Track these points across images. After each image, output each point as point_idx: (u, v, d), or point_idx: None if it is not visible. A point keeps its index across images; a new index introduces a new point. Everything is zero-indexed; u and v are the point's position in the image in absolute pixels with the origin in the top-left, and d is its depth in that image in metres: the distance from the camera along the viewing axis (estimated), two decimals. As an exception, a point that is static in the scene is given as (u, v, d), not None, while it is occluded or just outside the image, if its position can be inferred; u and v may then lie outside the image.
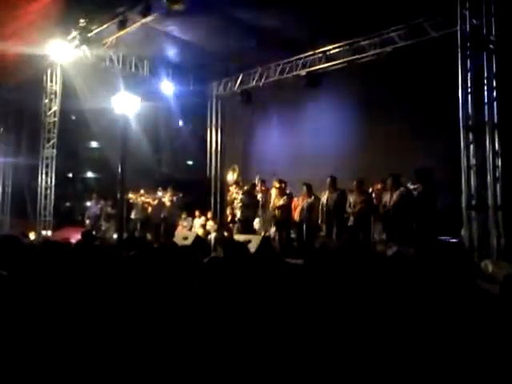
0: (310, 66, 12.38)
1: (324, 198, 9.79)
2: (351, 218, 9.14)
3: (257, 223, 11.65)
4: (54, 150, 13.23)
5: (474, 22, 7.67)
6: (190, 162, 15.99)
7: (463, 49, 7.73)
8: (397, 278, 3.21)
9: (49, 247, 4.51)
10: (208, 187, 15.11)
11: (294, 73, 12.68)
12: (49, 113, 13.27)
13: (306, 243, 9.79)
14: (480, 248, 7.23)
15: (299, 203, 10.38)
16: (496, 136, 7.33)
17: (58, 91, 13.23)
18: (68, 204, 15.27)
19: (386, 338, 2.32)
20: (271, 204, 10.84)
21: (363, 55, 11.28)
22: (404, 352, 2.22)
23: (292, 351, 2.37)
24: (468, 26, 7.73)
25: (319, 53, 12.13)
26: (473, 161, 7.49)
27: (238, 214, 11.64)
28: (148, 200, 13.15)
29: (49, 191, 13.16)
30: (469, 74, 7.67)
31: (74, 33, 11.90)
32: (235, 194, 11.85)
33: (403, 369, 2.15)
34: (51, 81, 13.28)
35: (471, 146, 7.59)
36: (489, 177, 7.26)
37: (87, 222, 13.33)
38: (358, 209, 9.13)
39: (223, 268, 3.75)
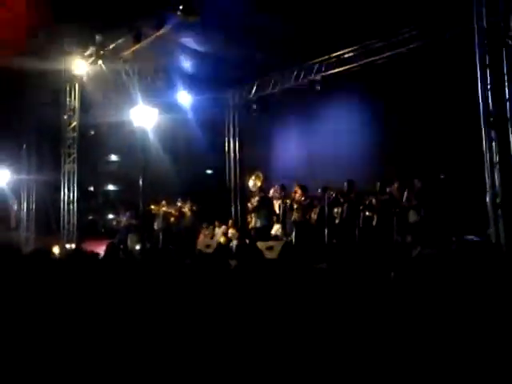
0: (324, 71, 12.37)
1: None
2: (374, 218, 9.18)
3: (275, 230, 11.63)
4: (75, 165, 13.41)
5: (491, 18, 7.59)
6: (209, 172, 16.05)
7: (480, 46, 7.66)
8: (423, 278, 3.18)
9: (78, 257, 4.59)
10: (228, 196, 15.16)
11: (309, 78, 12.67)
12: (68, 128, 13.46)
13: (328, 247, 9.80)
14: (508, 246, 7.11)
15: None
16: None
17: (76, 106, 13.42)
18: (90, 217, 15.43)
19: (418, 338, 2.30)
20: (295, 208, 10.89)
21: (377, 57, 11.22)
22: (439, 348, 2.19)
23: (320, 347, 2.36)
24: (485, 23, 7.66)
25: (334, 57, 12.12)
26: (496, 158, 7.39)
27: (258, 221, 11.64)
28: (170, 210, 13.25)
29: (71, 205, 13.34)
30: (488, 71, 7.59)
31: (91, 48, 12.10)
32: (257, 202, 11.84)
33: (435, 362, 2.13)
34: (70, 96, 13.48)
35: (493, 143, 7.49)
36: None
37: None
38: (380, 209, 9.18)
39: (239, 273, 3.76)
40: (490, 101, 7.54)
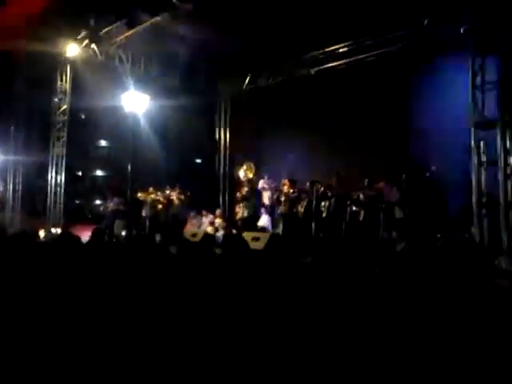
0: (319, 65, 12.34)
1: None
2: (361, 213, 9.25)
3: (263, 221, 11.66)
4: (64, 149, 13.32)
5: (482, 19, 7.62)
6: (199, 160, 16.03)
7: (472, 46, 7.69)
8: (406, 273, 3.21)
9: (64, 241, 4.56)
10: (216, 185, 15.16)
11: (303, 71, 12.64)
12: (59, 111, 13.36)
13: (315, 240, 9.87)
14: (491, 246, 7.19)
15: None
16: (507, 133, 7.26)
17: (67, 90, 13.30)
18: (77, 202, 15.34)
19: (398, 335, 2.32)
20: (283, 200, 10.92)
21: (371, 53, 11.21)
22: (420, 346, 2.22)
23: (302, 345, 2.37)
24: (476, 25, 7.68)
25: (329, 51, 12.10)
26: (483, 158, 7.44)
27: (246, 212, 11.68)
28: (158, 198, 13.22)
29: (58, 189, 13.25)
30: (478, 71, 7.63)
31: (84, 32, 11.98)
32: (245, 193, 11.87)
33: (416, 364, 2.15)
34: (61, 79, 13.36)
35: (481, 144, 7.54)
36: (500, 174, 7.21)
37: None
38: (368, 204, 9.27)
39: (224, 263, 3.76)
40: (479, 101, 7.58)
